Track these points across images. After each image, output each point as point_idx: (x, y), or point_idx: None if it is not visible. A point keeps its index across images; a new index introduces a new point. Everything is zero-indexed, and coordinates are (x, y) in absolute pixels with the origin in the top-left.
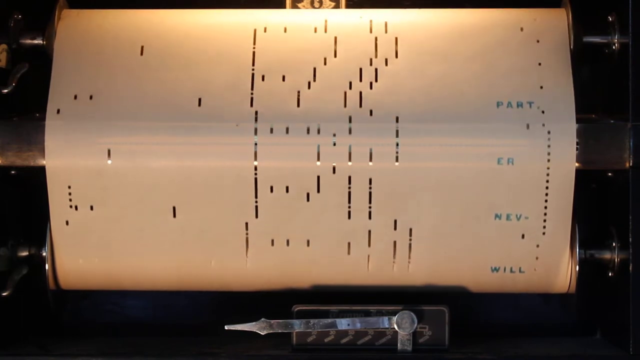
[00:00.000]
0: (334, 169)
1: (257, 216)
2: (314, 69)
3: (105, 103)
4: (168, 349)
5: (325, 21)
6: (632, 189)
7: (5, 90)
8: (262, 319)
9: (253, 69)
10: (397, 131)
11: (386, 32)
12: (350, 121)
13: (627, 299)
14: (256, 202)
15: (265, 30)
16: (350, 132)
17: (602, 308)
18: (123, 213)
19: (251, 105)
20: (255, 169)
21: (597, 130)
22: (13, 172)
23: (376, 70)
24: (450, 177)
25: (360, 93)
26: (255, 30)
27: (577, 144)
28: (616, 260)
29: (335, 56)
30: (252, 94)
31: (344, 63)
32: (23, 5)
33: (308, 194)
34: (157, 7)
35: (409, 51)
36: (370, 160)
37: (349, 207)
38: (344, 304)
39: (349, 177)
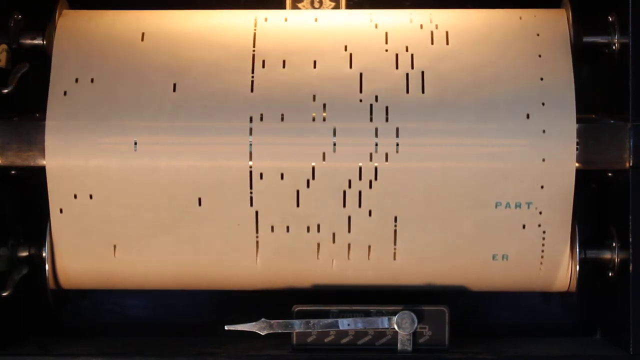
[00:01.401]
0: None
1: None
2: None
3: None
4: (168, 349)
5: (324, 106)
6: (632, 189)
7: (5, 90)
8: (262, 319)
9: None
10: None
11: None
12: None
13: (627, 299)
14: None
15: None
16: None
17: (602, 308)
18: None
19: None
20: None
21: (597, 130)
22: (13, 172)
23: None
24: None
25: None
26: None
27: (577, 144)
28: (616, 260)
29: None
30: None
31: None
32: (23, 5)
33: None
34: (157, 7)
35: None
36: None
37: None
38: (344, 304)
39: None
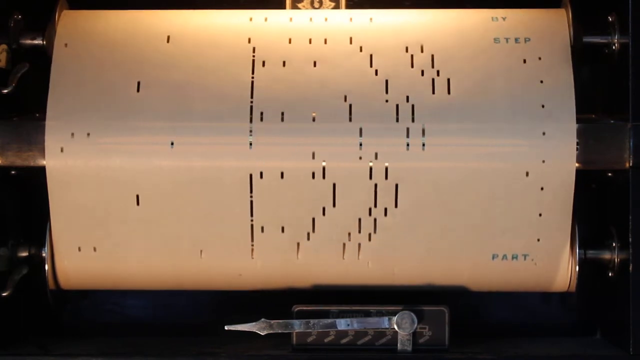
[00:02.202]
0: None
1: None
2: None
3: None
4: (168, 349)
5: (323, 168)
6: (632, 189)
7: (5, 90)
8: (262, 319)
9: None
10: None
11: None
12: None
13: (627, 299)
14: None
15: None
16: None
17: (602, 308)
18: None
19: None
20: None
21: (597, 130)
22: (13, 172)
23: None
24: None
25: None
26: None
27: (577, 144)
28: (616, 260)
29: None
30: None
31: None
32: (23, 5)
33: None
34: (157, 7)
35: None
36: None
37: None
38: (344, 304)
39: None
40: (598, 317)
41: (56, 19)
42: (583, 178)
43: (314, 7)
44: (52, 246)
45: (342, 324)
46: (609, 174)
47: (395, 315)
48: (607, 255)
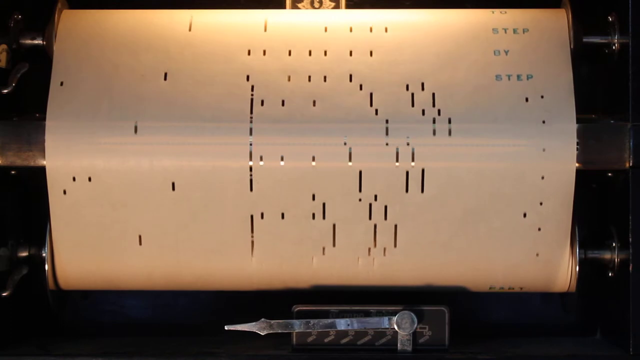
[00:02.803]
0: None
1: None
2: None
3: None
4: (168, 349)
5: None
6: (632, 189)
7: (5, 90)
8: (262, 319)
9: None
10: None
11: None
12: None
13: (627, 299)
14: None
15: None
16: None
17: (602, 308)
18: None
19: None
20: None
21: (597, 130)
22: (13, 172)
23: None
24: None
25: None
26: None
27: (577, 144)
28: (616, 260)
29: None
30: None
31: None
32: (23, 5)
33: None
34: (157, 7)
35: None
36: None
37: None
38: (344, 304)
39: None
40: (598, 317)
41: (56, 19)
42: (583, 178)
43: (313, 7)
44: (52, 246)
45: (342, 324)
46: (609, 174)
47: (395, 315)
48: (607, 255)
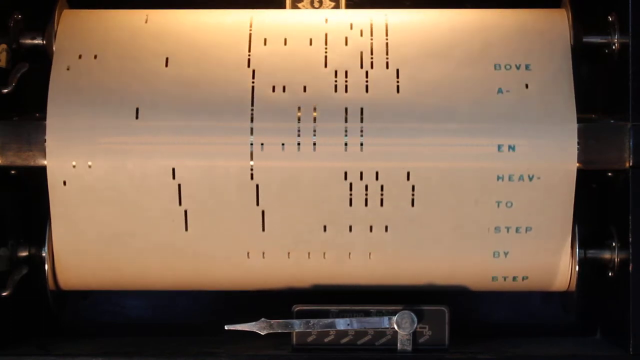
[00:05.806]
0: None
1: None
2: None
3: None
4: (168, 349)
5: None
6: (632, 189)
7: (5, 90)
8: (262, 319)
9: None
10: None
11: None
12: None
13: (627, 299)
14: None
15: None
16: None
17: (602, 308)
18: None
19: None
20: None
21: (597, 130)
22: (13, 172)
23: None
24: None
25: None
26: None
27: (577, 144)
28: (616, 260)
29: None
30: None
31: None
32: (23, 5)
33: None
34: (156, 7)
35: None
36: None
37: None
38: (344, 303)
39: None
40: (598, 317)
41: (56, 19)
42: (583, 178)
43: (313, 7)
44: (52, 246)
45: (342, 323)
46: (609, 174)
47: (395, 315)
48: (607, 255)
